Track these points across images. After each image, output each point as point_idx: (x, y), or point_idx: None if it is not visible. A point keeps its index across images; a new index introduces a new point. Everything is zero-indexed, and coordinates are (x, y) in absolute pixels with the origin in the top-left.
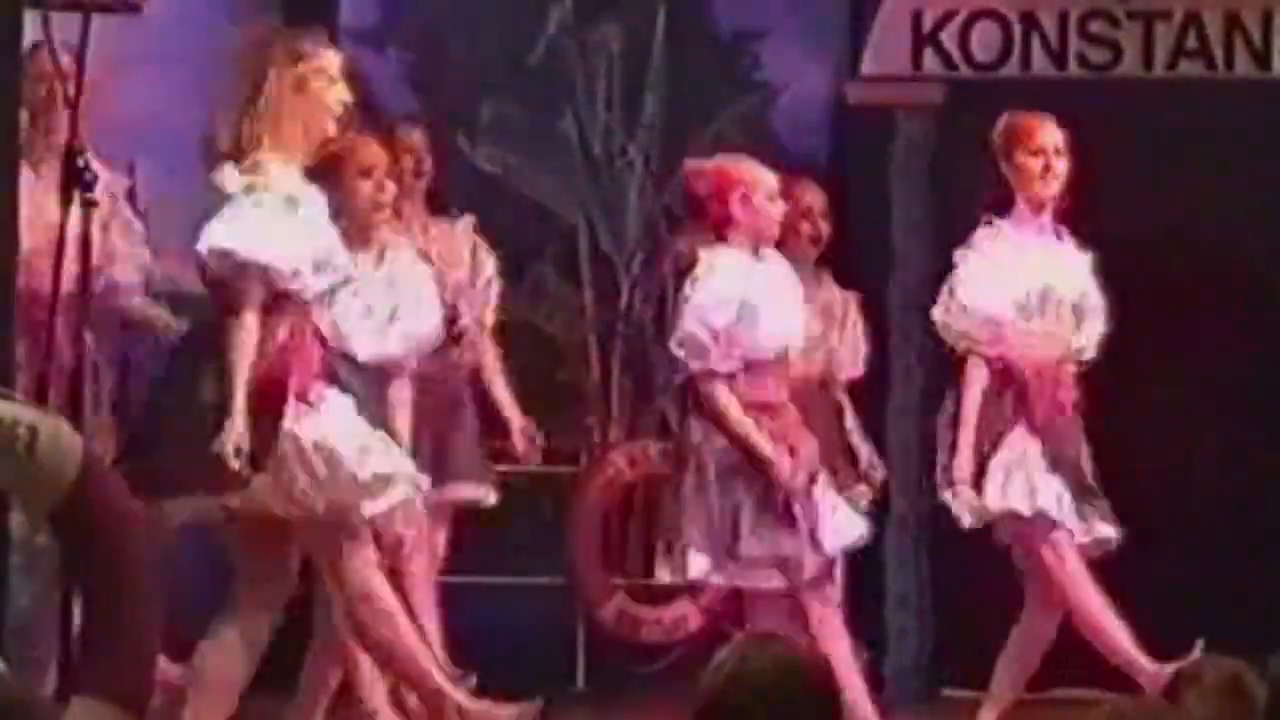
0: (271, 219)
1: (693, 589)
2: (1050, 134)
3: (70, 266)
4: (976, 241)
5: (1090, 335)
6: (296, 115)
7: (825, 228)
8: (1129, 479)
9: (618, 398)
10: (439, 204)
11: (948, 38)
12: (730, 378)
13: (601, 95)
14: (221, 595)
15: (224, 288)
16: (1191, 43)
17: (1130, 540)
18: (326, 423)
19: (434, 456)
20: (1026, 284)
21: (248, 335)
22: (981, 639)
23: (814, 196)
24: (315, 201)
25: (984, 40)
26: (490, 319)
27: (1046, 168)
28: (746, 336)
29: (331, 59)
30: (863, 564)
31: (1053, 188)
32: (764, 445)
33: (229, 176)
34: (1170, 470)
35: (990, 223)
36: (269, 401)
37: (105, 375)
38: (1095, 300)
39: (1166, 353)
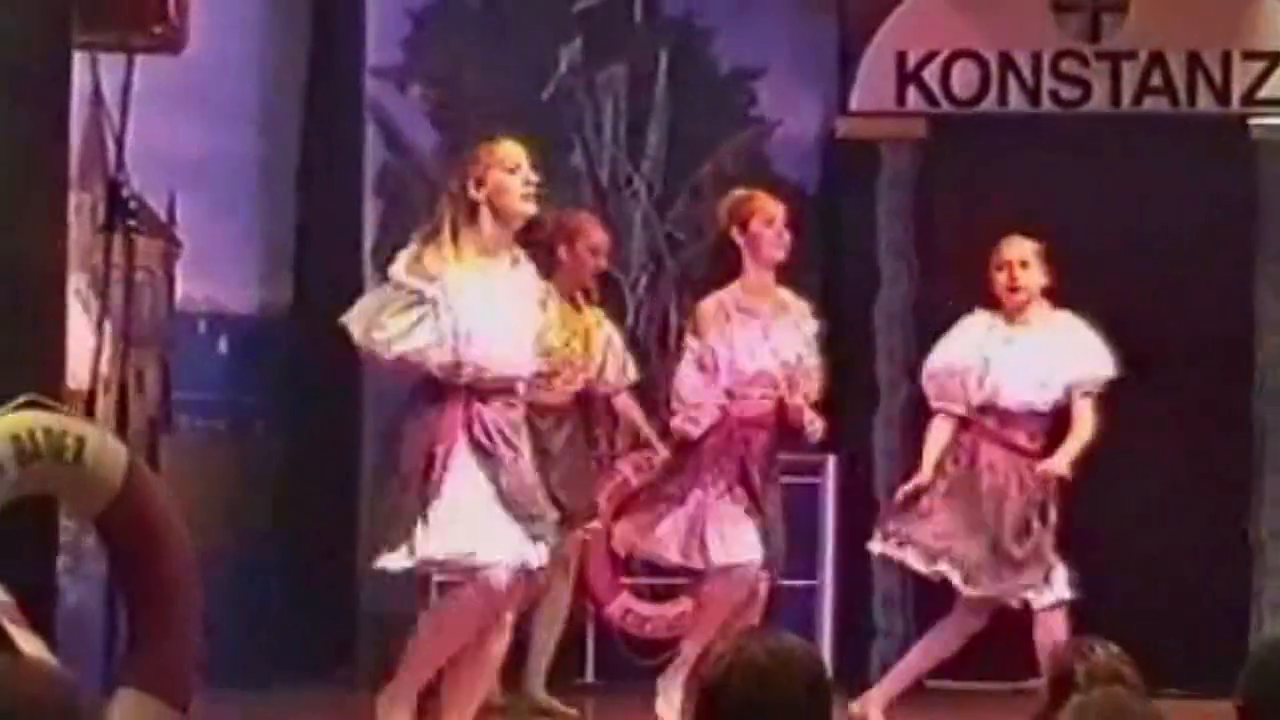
0: None
1: (691, 588)
2: (1015, 248)
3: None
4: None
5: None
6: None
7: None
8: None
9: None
10: None
11: (929, 76)
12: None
13: (608, 129)
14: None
15: None
16: (1156, 80)
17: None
18: None
19: None
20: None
21: None
22: None
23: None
24: None
25: (963, 78)
26: None
27: (1012, 280)
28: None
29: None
30: (854, 565)
31: (1019, 296)
32: None
33: None
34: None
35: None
36: None
37: (150, 389)
38: None
39: (1131, 367)
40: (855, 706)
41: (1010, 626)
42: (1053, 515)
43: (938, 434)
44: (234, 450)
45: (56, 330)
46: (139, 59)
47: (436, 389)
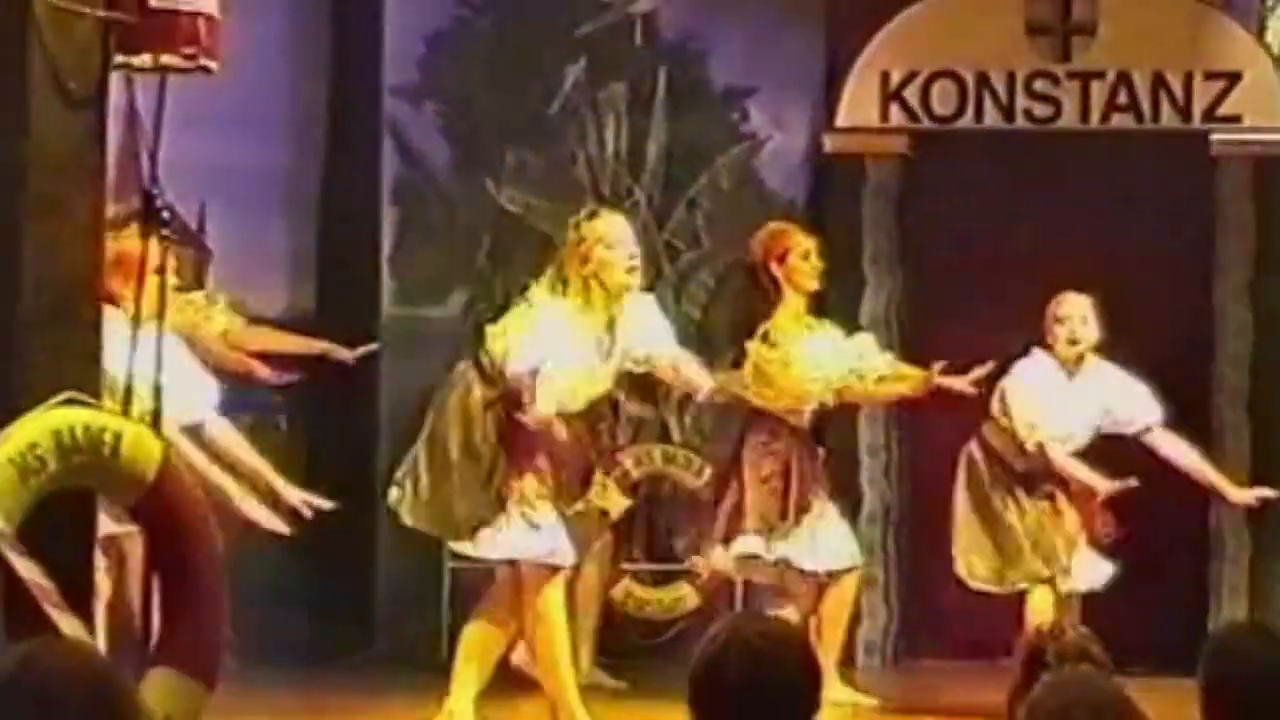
0: None
1: (690, 574)
2: (1075, 306)
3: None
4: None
5: None
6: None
7: None
8: None
9: (625, 407)
10: None
11: (911, 94)
12: None
13: (610, 144)
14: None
15: None
16: (1123, 99)
17: None
18: None
19: None
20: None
21: None
22: (937, 617)
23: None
24: None
25: (942, 97)
26: None
27: (1072, 334)
28: None
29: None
30: None
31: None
32: None
33: None
34: None
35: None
36: None
37: None
38: None
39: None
40: None
41: (985, 610)
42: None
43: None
44: (259, 444)
45: (94, 331)
46: (171, 78)
47: None
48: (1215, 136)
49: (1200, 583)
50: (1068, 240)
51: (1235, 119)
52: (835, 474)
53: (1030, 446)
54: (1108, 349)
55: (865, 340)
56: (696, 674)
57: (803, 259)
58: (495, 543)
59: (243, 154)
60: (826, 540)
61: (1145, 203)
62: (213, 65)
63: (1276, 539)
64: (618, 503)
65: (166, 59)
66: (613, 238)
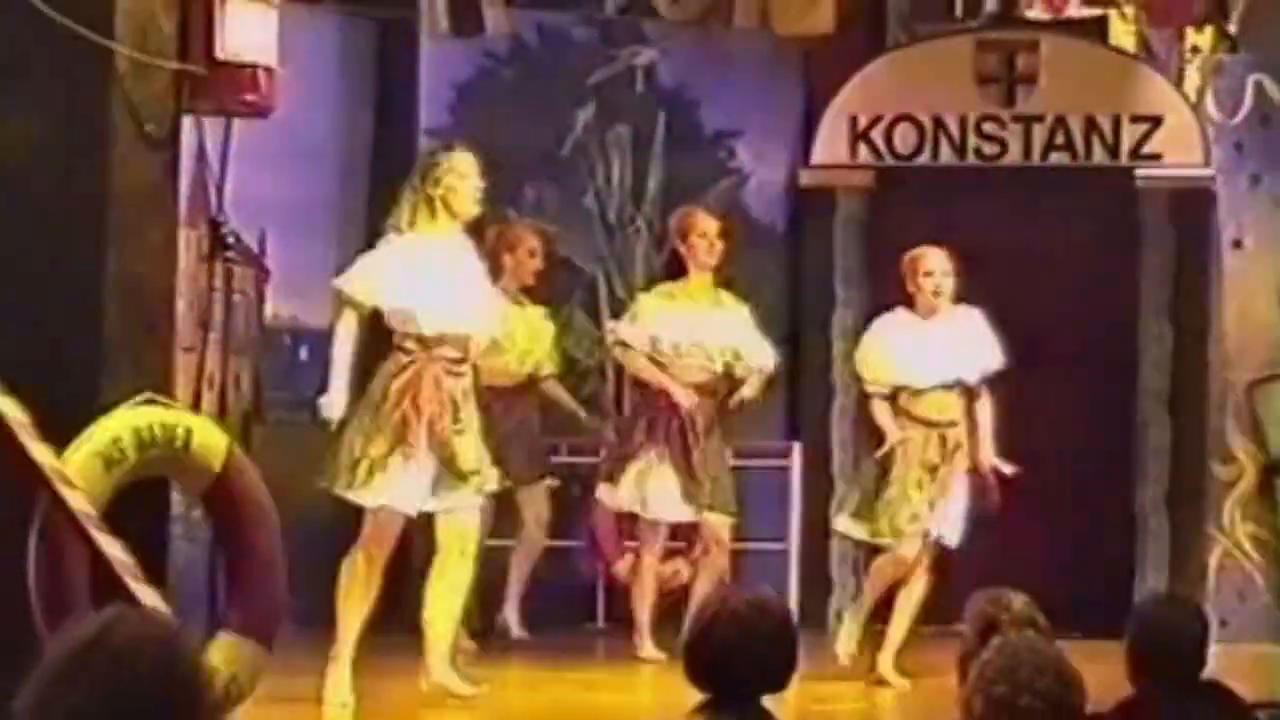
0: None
1: (686, 550)
2: (935, 260)
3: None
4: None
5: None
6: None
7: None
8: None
9: (627, 406)
10: None
11: (876, 135)
12: None
13: (615, 178)
14: None
15: None
16: (1060, 139)
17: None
18: None
19: None
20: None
21: None
22: (893, 586)
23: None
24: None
25: (903, 138)
26: None
27: (936, 286)
28: None
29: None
30: (815, 531)
31: (937, 300)
32: None
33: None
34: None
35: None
36: None
37: (244, 388)
38: None
39: (1031, 372)
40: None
41: (941, 578)
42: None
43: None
44: (311, 439)
45: (169, 341)
46: (236, 121)
47: None
48: (1139, 172)
49: (1126, 559)
50: (1013, 261)
51: (1157, 157)
52: (810, 461)
53: (869, 391)
54: (1045, 353)
55: (747, 341)
56: (689, 638)
57: (700, 237)
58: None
59: (297, 187)
60: (656, 493)
61: (1079, 229)
62: (271, 110)
63: (1192, 521)
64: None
65: (231, 105)
66: (465, 169)
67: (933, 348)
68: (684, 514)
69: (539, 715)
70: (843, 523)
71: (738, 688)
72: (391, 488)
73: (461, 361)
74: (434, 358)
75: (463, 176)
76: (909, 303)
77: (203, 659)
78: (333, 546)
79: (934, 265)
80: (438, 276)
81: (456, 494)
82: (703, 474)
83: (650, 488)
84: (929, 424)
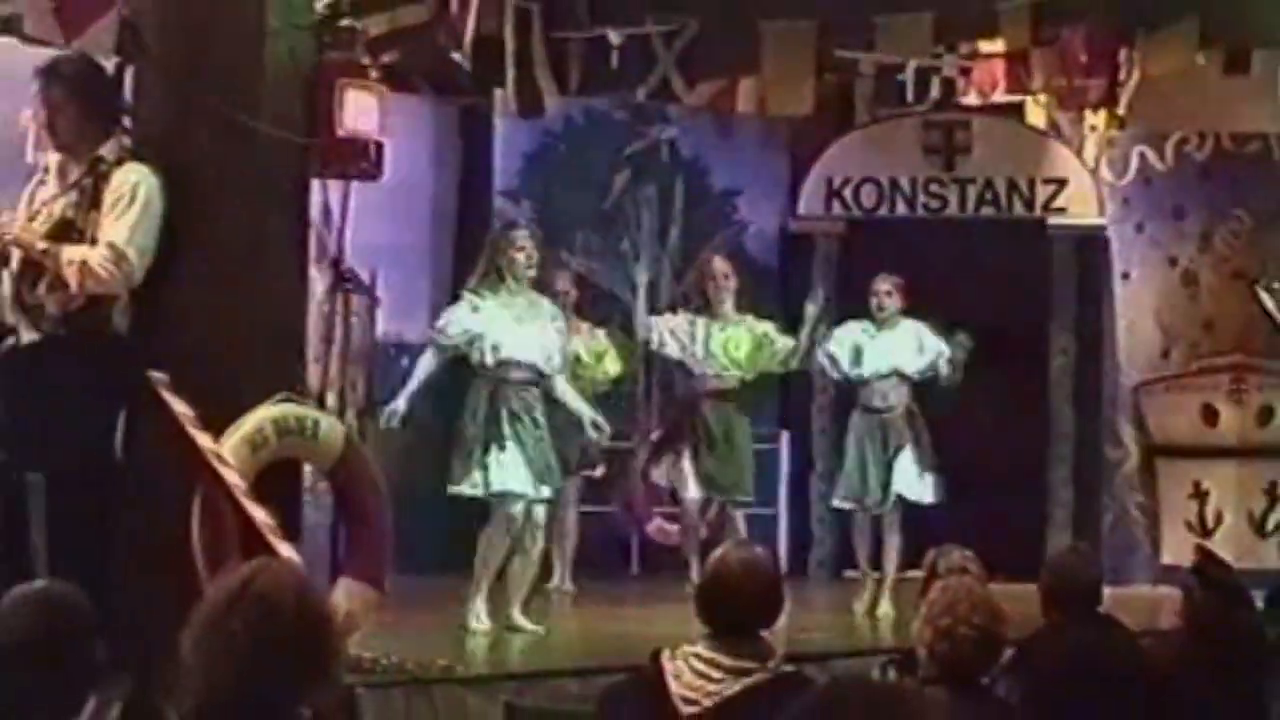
0: None
1: (703, 513)
2: (881, 282)
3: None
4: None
5: None
6: None
7: None
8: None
9: (656, 402)
10: None
11: (847, 193)
12: None
13: (645, 228)
14: None
15: None
16: (989, 196)
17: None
18: None
19: None
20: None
21: None
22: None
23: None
24: None
25: (868, 194)
26: None
27: (880, 304)
28: None
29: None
30: (799, 500)
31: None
32: None
33: None
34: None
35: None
36: None
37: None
38: None
39: (976, 378)
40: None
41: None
42: None
43: None
44: (411, 430)
45: (301, 353)
46: (353, 183)
47: None
48: (1050, 221)
49: (1040, 521)
50: (949, 289)
51: (1063, 210)
52: (795, 445)
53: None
54: (974, 357)
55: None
56: (703, 582)
57: (710, 279)
58: None
59: (400, 234)
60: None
61: (1003, 265)
62: (380, 175)
63: (1091, 492)
64: None
65: (349, 171)
66: (521, 243)
67: (879, 347)
68: (699, 493)
69: (602, 643)
70: (837, 502)
71: (739, 623)
72: (505, 479)
73: (533, 382)
74: (510, 380)
75: (520, 250)
76: (870, 316)
77: (328, 599)
78: (422, 509)
79: (880, 288)
80: (503, 321)
81: (542, 485)
82: (712, 462)
83: (679, 471)
84: (874, 410)
